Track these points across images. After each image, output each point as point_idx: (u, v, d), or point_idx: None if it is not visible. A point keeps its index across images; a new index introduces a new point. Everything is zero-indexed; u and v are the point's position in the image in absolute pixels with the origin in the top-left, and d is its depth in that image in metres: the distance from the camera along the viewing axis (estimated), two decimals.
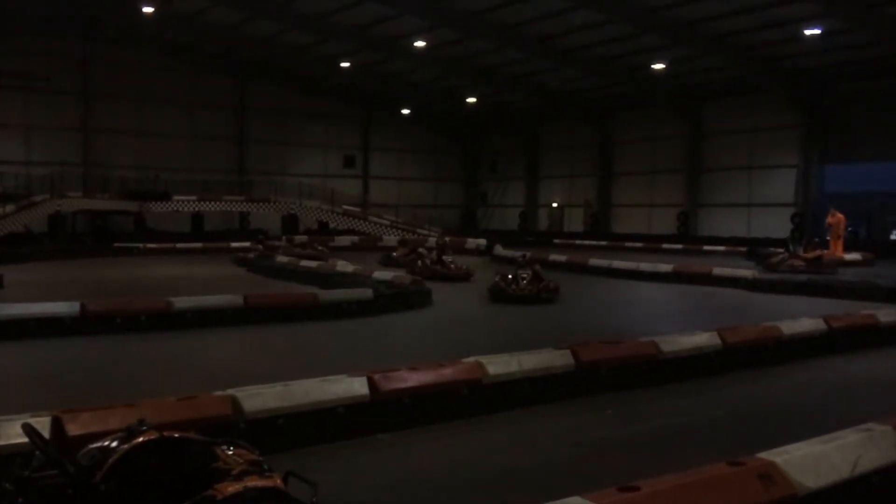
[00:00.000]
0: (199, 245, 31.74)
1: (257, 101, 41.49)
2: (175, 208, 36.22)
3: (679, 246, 32.13)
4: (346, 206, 40.53)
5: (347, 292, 13.48)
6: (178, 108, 39.30)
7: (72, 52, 36.47)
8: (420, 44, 32.66)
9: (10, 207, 30.94)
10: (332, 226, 39.06)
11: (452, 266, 19.88)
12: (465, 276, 19.48)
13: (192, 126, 39.81)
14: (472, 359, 6.77)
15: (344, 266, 19.19)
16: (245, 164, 41.47)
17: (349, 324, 11.79)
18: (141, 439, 3.29)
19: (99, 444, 3.35)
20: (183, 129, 39.50)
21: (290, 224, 38.53)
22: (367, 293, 13.24)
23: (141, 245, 30.06)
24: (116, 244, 30.28)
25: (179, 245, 31.34)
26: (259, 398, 5.43)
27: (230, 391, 5.43)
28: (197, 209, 37.10)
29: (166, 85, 38.55)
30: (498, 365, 6.73)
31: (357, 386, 5.91)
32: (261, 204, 38.71)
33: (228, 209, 38.91)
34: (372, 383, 5.95)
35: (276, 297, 13.32)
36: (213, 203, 37.31)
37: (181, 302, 11.36)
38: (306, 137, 43.39)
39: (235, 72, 40.42)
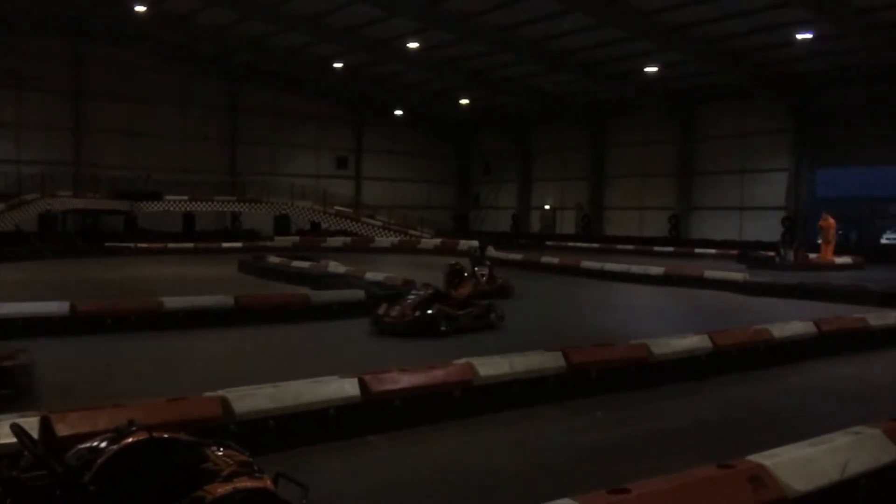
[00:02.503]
0: (190, 245, 31.65)
1: (249, 102, 41.38)
2: (166, 208, 36.09)
3: (670, 249, 32.23)
4: (338, 207, 40.48)
5: (339, 293, 13.48)
6: (170, 108, 39.19)
7: (63, 51, 36.30)
8: (413, 45, 32.68)
9: (0, 206, 30.78)
10: (324, 226, 39.01)
11: None
12: None
13: (183, 126, 39.70)
14: (463, 360, 6.77)
15: (336, 267, 19.17)
16: (237, 165, 41.37)
17: (341, 325, 11.78)
18: (130, 440, 3.27)
19: (88, 445, 3.33)
20: (174, 128, 39.39)
21: (282, 225, 38.47)
22: (358, 294, 13.24)
23: (132, 245, 29.94)
24: (108, 244, 30.16)
25: (171, 245, 31.25)
26: (250, 399, 5.42)
27: (220, 392, 5.41)
28: (188, 209, 36.98)
29: (158, 85, 38.43)
30: (489, 367, 6.73)
31: (348, 387, 5.90)
32: (252, 204, 38.64)
33: (220, 209, 38.82)
34: (363, 384, 5.94)
35: (268, 297, 13.29)
36: (204, 203, 37.20)
37: (172, 302, 11.33)
38: (299, 138, 43.31)
39: (227, 73, 40.32)
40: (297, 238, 34.99)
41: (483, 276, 15.90)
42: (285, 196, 39.15)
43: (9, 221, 30.81)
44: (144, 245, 30.16)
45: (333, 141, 44.65)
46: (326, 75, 39.74)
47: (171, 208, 36.34)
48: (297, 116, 42.83)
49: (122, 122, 37.64)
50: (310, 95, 42.46)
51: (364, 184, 45.88)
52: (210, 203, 37.52)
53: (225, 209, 39.07)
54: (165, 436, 3.40)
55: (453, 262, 13.19)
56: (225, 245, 32.06)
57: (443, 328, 10.77)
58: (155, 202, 35.60)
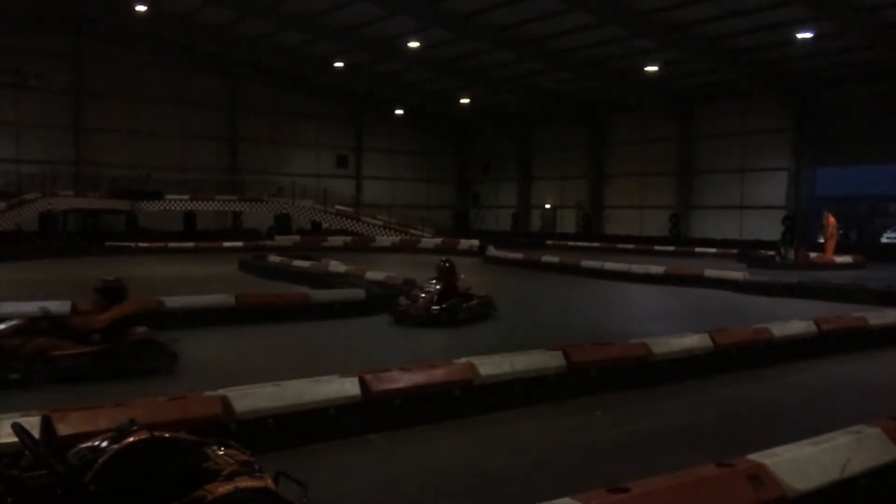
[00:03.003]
0: (191, 244, 31.64)
1: (249, 101, 41.32)
2: (167, 207, 36.03)
3: (671, 248, 32.23)
4: (338, 206, 40.43)
5: (339, 293, 13.48)
6: (170, 107, 39.08)
7: (64, 50, 36.28)
8: (413, 44, 32.66)
9: (0, 206, 30.75)
10: (325, 226, 39.00)
11: None
12: None
13: (183, 125, 39.61)
14: (463, 360, 6.78)
15: (336, 266, 19.18)
16: (237, 164, 41.31)
17: (341, 324, 11.78)
18: (131, 439, 3.28)
19: (89, 444, 3.34)
20: (175, 128, 39.30)
21: (283, 224, 38.46)
22: (358, 293, 13.24)
23: (132, 244, 29.94)
24: (108, 243, 30.14)
25: (172, 244, 31.25)
26: (250, 398, 5.42)
27: (221, 391, 5.42)
28: (189, 208, 36.93)
29: (158, 84, 38.36)
30: (489, 366, 6.74)
31: (348, 386, 5.90)
32: (253, 203, 38.63)
33: (221, 208, 38.75)
34: (363, 384, 5.95)
35: (268, 297, 13.29)
36: (205, 202, 37.14)
37: (172, 302, 11.34)
38: (299, 137, 43.24)
39: (228, 71, 40.27)
40: (297, 237, 34.97)
41: (418, 297, 11.88)
42: (286, 195, 39.16)
43: (9, 221, 30.73)
44: (145, 244, 30.16)
45: (334, 139, 44.59)
46: (327, 74, 39.68)
47: (172, 207, 36.29)
48: (297, 115, 42.77)
49: (123, 121, 37.56)
50: (310, 94, 42.42)
51: (364, 183, 45.88)
52: (211, 202, 37.44)
53: (226, 208, 39.01)
54: (166, 435, 3.41)
55: (110, 277, 8.78)
56: (226, 244, 32.06)
57: (13, 376, 7.22)
58: (156, 201, 35.56)
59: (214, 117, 40.67)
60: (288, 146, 42.91)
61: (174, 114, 39.23)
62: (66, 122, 36.78)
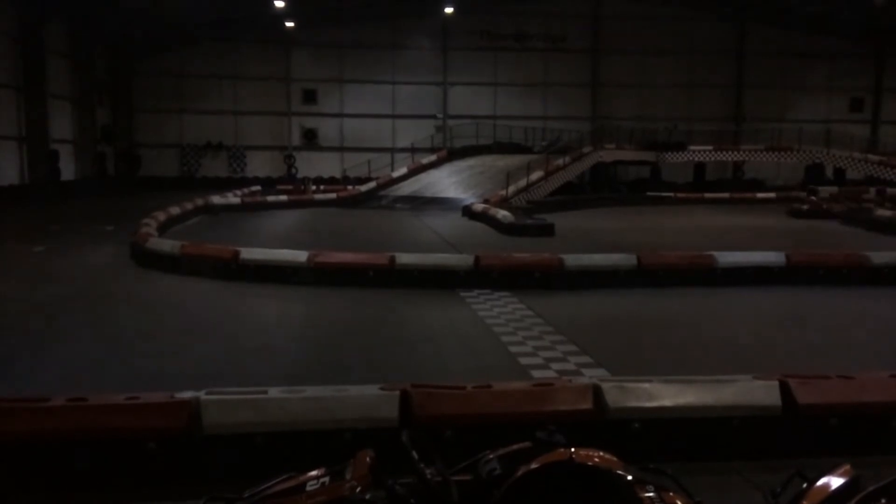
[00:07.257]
0: (725, 195, 32.32)
1: (756, 45, 40.57)
2: (689, 158, 36.36)
3: None
4: (869, 155, 35.40)
5: None
6: (677, 57, 40.02)
7: (585, 11, 39.82)
8: None
9: (565, 159, 31.03)
10: (848, 176, 35.86)
11: None
12: None
13: (690, 75, 40.41)
14: None
15: None
16: (741, 112, 41.01)
17: None
18: (543, 460, 2.73)
19: (503, 452, 2.89)
20: (680, 78, 40.28)
21: (816, 174, 36.37)
22: None
23: (672, 194, 31.84)
24: (649, 193, 32.36)
25: (707, 195, 32.19)
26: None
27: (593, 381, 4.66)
28: (712, 159, 36.75)
29: (666, 35, 39.52)
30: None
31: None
32: (783, 153, 36.02)
33: (743, 158, 37.61)
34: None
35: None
36: (728, 153, 36.78)
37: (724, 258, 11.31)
38: (811, 79, 41.29)
39: (736, 15, 40.02)
40: (834, 188, 32.25)
41: None
42: (794, 142, 36.13)
43: (572, 173, 31.33)
44: (683, 195, 31.88)
45: (848, 81, 41.33)
46: (852, 9, 36.08)
47: (694, 158, 36.47)
48: (807, 57, 40.65)
49: (632, 75, 40.04)
50: (823, 32, 39.73)
51: (884, 127, 41.53)
52: (733, 152, 36.81)
53: (749, 158, 37.31)
54: (589, 463, 2.73)
55: None
56: (759, 195, 32.59)
57: None
58: (679, 152, 36.12)
59: (719, 65, 40.86)
60: (794, 91, 41.51)
61: (680, 64, 40.34)
62: (584, 79, 40.57)
